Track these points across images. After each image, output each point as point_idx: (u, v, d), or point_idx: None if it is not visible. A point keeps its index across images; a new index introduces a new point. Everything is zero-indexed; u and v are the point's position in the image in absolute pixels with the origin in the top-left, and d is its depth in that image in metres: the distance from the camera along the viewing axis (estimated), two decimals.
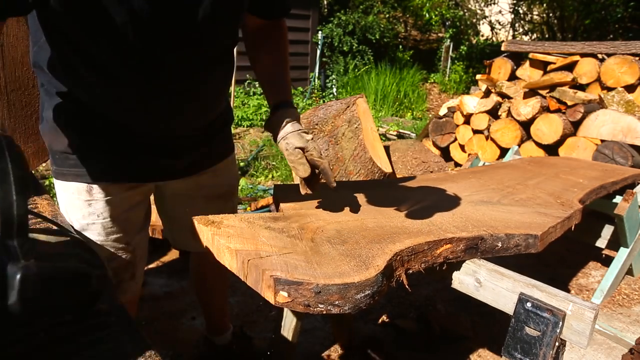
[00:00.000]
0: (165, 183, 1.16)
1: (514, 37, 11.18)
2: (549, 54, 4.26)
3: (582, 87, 3.99)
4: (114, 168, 1.02)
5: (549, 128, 3.70)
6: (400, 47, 10.44)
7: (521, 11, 10.97)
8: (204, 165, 1.19)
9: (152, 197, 1.24)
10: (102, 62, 0.85)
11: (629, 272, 2.64)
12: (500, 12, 11.39)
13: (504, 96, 4.22)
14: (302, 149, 0.99)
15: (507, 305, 0.98)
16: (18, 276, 0.39)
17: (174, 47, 0.87)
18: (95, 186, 1.01)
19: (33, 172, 1.22)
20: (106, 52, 0.83)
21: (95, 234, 1.05)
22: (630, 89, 3.72)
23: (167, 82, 0.91)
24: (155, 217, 2.53)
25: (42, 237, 0.56)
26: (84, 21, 0.77)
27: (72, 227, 0.96)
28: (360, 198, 1.29)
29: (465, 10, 11.91)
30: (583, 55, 4.01)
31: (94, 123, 0.97)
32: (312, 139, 1.01)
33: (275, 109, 1.06)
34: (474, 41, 11.44)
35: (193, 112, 1.02)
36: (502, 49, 4.72)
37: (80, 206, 1.02)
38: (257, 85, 6.63)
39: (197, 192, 1.22)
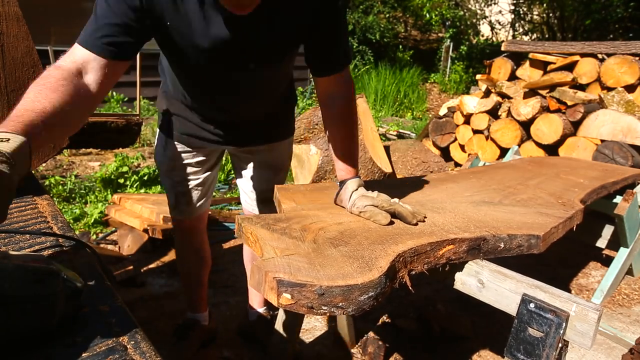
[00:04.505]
0: (230, 149, 1.58)
1: (514, 37, 11.19)
2: (549, 54, 4.26)
3: (582, 87, 3.99)
4: (190, 134, 1.49)
5: (549, 128, 3.70)
6: (400, 47, 10.44)
7: (521, 11, 10.97)
8: (260, 141, 1.54)
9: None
10: (190, 79, 1.31)
11: (629, 272, 2.64)
12: (500, 12, 11.40)
13: (504, 96, 4.22)
14: (372, 205, 1.12)
15: (509, 306, 0.98)
16: None
17: (227, 71, 1.23)
18: (173, 141, 1.52)
19: (33, 172, 1.22)
20: (190, 73, 1.28)
21: (164, 170, 1.57)
22: (630, 89, 3.72)
23: (229, 92, 1.32)
24: (155, 217, 2.53)
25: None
26: (176, 58, 1.23)
27: (74, 233, 0.97)
28: None
29: (465, 10, 11.91)
30: (583, 55, 4.01)
31: (187, 112, 1.46)
32: (377, 195, 1.15)
33: (342, 184, 1.23)
34: (474, 41, 11.45)
35: (245, 111, 1.42)
36: (502, 49, 4.72)
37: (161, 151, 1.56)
38: None
39: (254, 158, 1.59)
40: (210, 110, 1.42)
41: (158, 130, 1.56)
